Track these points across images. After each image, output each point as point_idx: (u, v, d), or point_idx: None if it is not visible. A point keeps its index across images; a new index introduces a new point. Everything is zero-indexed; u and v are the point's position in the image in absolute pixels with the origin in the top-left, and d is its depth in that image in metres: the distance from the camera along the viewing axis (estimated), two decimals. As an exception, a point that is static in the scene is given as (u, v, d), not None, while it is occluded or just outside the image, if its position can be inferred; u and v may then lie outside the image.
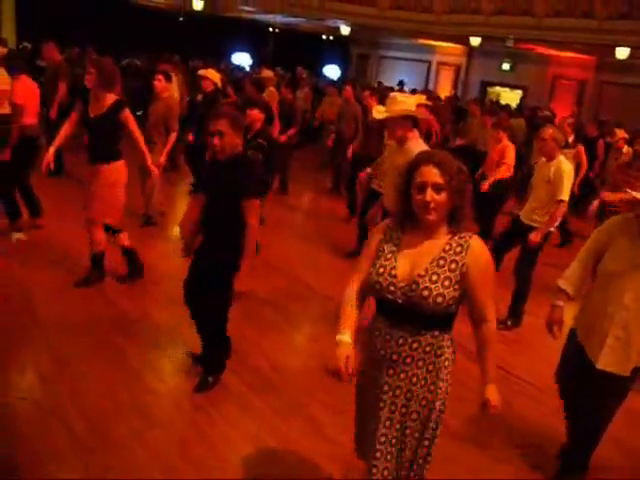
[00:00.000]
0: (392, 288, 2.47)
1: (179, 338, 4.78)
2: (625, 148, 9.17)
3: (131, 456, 3.42)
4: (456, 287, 2.44)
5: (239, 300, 4.02)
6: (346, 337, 2.55)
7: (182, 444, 3.58)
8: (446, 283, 2.42)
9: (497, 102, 16.09)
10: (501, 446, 3.96)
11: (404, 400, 2.56)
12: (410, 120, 4.74)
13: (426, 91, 17.08)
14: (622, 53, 14.38)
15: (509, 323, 5.87)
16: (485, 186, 7.45)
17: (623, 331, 3.21)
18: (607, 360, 3.26)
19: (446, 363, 2.56)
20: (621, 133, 9.50)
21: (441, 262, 2.45)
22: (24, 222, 6.68)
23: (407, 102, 4.77)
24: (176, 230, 7.58)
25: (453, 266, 2.44)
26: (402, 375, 2.54)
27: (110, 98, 5.25)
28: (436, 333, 2.51)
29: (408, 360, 2.51)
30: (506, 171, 7.65)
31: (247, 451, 3.60)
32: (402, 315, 2.49)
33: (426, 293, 2.41)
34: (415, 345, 2.50)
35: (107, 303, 5.25)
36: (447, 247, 2.47)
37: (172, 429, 3.72)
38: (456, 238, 2.48)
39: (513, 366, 5.05)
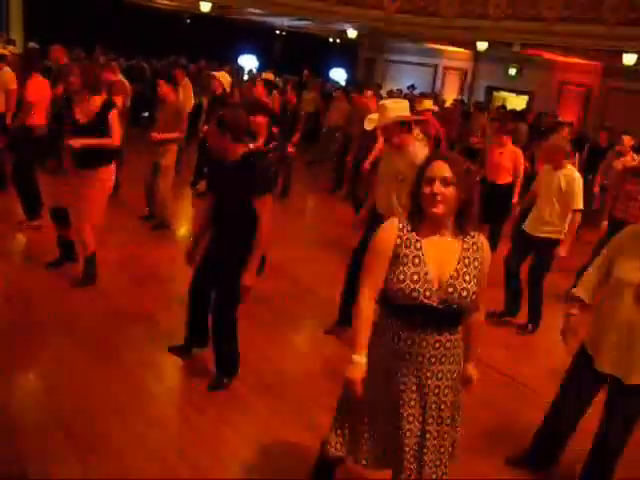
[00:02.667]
0: (428, 293, 2.49)
1: (180, 339, 4.77)
2: (631, 156, 9.01)
3: (129, 457, 3.41)
4: (475, 282, 2.56)
5: (247, 295, 3.99)
6: (363, 358, 2.58)
7: (181, 445, 3.57)
8: (474, 281, 2.55)
9: (504, 107, 16.04)
10: (505, 455, 3.92)
11: (433, 397, 2.63)
12: (405, 125, 4.66)
13: (432, 95, 17.06)
14: (629, 59, 14.33)
15: (530, 327, 5.93)
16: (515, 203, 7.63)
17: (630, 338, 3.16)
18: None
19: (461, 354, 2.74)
20: (629, 140, 9.33)
21: (466, 261, 2.55)
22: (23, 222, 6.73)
23: (398, 108, 4.68)
24: (181, 231, 7.60)
25: (476, 264, 2.57)
26: (428, 374, 2.62)
27: (98, 100, 5.22)
28: (460, 328, 2.68)
29: (441, 359, 2.61)
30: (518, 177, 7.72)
31: (247, 454, 3.58)
32: (434, 317, 2.54)
33: (465, 293, 2.51)
34: (448, 344, 2.61)
35: (107, 303, 5.25)
36: (466, 246, 2.57)
37: (171, 430, 3.71)
38: (469, 237, 2.59)
39: (517, 373, 5.03)
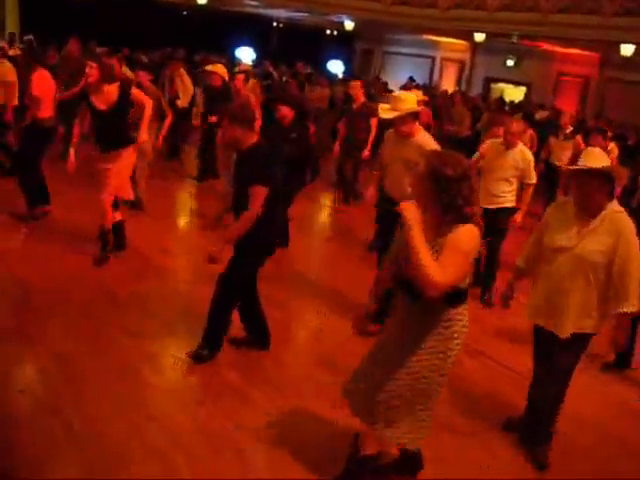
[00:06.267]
0: None
1: (179, 331, 4.77)
2: (610, 145, 8.90)
3: (129, 451, 3.40)
4: None
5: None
6: None
7: (180, 439, 3.56)
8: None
9: (501, 99, 16.01)
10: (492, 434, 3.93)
11: None
12: (414, 116, 5.00)
13: (424, 86, 17.06)
14: (627, 50, 14.31)
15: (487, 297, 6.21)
16: None
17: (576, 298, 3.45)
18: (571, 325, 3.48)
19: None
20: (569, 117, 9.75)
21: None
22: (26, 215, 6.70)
23: (411, 100, 5.01)
24: (180, 222, 7.58)
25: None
26: None
27: (114, 87, 5.55)
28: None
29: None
30: None
31: (246, 446, 3.57)
32: None
33: None
34: None
35: (107, 295, 5.22)
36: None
37: (171, 423, 3.70)
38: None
39: (496, 352, 5.11)
